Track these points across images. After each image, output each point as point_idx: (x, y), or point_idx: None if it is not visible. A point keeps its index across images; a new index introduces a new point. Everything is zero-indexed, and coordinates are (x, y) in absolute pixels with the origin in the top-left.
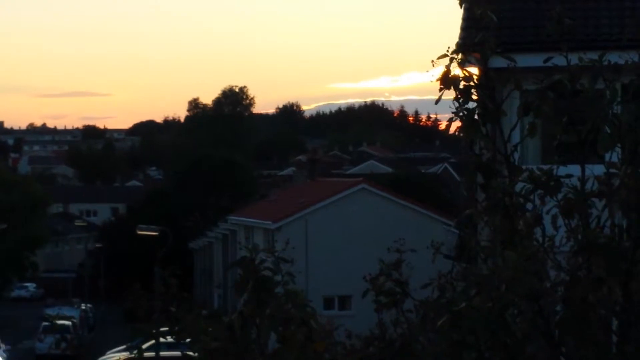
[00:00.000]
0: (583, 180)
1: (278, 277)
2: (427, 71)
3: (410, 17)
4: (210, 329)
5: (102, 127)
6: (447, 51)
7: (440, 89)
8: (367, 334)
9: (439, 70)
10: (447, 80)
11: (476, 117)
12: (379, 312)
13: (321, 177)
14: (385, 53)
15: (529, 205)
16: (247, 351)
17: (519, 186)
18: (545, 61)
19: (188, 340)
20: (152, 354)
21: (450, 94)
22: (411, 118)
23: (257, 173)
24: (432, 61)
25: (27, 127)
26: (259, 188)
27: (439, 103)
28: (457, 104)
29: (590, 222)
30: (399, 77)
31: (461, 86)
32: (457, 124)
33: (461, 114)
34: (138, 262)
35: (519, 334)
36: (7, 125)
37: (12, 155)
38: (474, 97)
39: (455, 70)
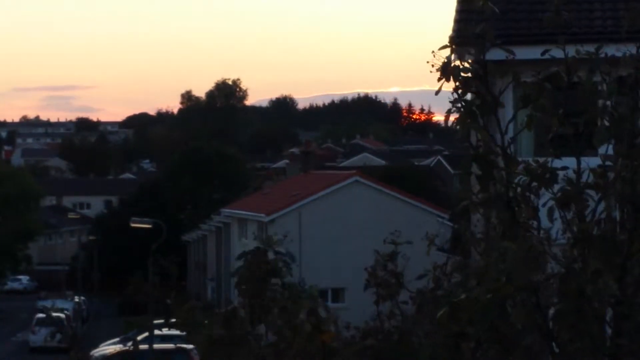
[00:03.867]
0: (579, 172)
1: (284, 269)
2: (427, 62)
3: (404, 8)
4: (207, 321)
5: (95, 119)
6: (448, 42)
7: (439, 79)
8: (363, 326)
9: (439, 61)
10: (446, 71)
11: (474, 108)
12: (377, 304)
13: (314, 169)
14: (380, 45)
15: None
16: (247, 340)
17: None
18: (543, 53)
19: (183, 333)
20: (145, 346)
21: (448, 86)
22: (404, 111)
23: (251, 165)
24: (433, 52)
25: (21, 119)
26: (253, 180)
27: (430, 96)
28: (455, 95)
29: (586, 215)
30: (393, 68)
31: (460, 77)
32: (454, 115)
33: (459, 105)
34: (131, 255)
35: (517, 326)
36: (0, 117)
37: (5, 147)
38: (472, 88)
39: (455, 62)
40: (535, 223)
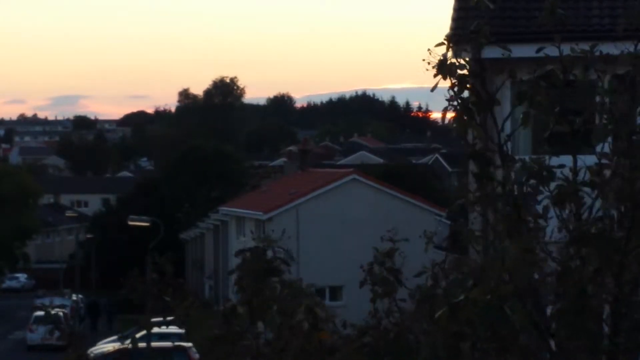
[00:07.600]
0: (575, 170)
1: (282, 267)
2: (424, 60)
3: (403, 6)
4: (205, 319)
5: (93, 117)
6: (445, 40)
7: (435, 76)
8: (361, 324)
9: (435, 58)
10: (443, 69)
11: (470, 106)
12: (374, 302)
13: (312, 167)
14: (378, 42)
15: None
16: (244, 338)
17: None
18: (538, 51)
19: (181, 330)
20: (143, 344)
21: (444, 83)
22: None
23: (248, 164)
24: (429, 49)
25: (18, 117)
26: (250, 179)
27: (428, 94)
28: (452, 93)
29: (582, 213)
30: (391, 66)
31: (456, 75)
32: (451, 113)
33: (455, 103)
34: (129, 253)
35: (516, 325)
36: None
37: (3, 146)
38: (468, 86)
39: (451, 59)
40: (542, 222)
